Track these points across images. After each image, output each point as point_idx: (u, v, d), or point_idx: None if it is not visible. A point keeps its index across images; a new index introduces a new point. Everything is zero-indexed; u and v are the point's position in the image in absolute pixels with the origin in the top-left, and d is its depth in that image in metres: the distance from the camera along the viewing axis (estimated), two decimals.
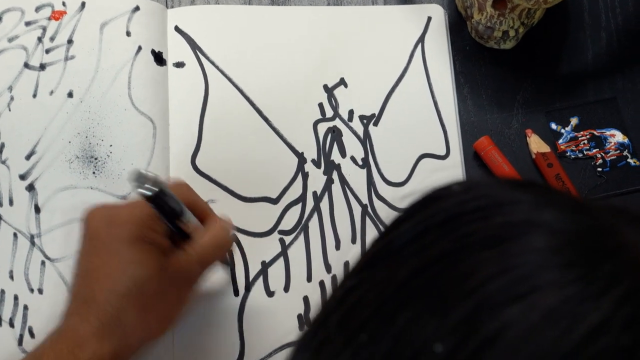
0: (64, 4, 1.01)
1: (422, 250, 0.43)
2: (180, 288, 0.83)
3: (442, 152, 1.01)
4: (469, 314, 0.39)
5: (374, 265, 0.46)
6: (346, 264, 0.96)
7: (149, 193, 0.77)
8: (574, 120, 1.03)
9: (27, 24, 1.00)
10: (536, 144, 1.01)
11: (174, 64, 1.01)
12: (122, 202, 0.83)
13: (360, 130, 1.01)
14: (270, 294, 0.94)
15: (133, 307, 0.78)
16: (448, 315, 0.39)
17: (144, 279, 0.78)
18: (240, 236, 0.96)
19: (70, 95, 0.97)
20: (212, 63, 1.01)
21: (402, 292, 0.42)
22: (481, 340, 0.38)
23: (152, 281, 0.79)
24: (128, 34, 1.00)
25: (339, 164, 0.99)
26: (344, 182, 0.99)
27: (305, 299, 0.94)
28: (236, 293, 0.94)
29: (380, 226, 0.97)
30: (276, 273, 0.95)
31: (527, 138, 1.02)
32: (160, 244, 0.81)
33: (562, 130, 1.02)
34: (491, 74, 1.05)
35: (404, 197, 0.98)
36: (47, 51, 0.99)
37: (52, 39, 0.99)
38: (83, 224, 0.82)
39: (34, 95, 0.98)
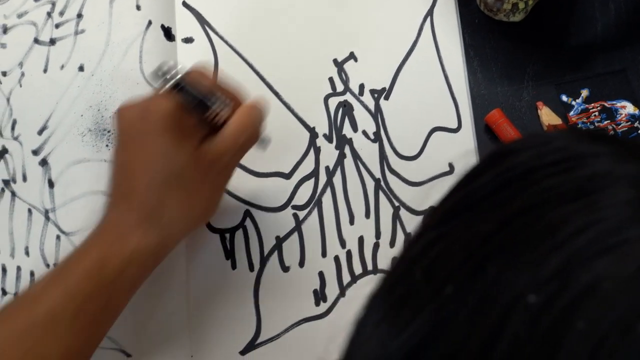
0: None
1: (505, 202, 0.43)
2: (217, 175, 0.85)
3: (454, 125, 1.01)
4: (561, 266, 0.39)
5: (454, 218, 0.45)
6: (360, 238, 0.96)
7: (172, 83, 0.80)
8: (584, 92, 1.03)
9: None
10: (547, 116, 1.01)
11: (182, 39, 1.00)
12: (153, 95, 0.83)
13: (371, 104, 1.00)
14: (285, 269, 0.94)
15: (173, 196, 0.80)
16: (540, 268, 0.39)
17: (182, 167, 0.80)
18: (254, 211, 0.96)
19: (81, 69, 0.97)
20: (221, 38, 1.01)
21: (488, 245, 0.42)
22: (576, 291, 0.38)
23: (189, 169, 0.81)
24: (138, 7, 0.99)
25: (350, 139, 0.99)
26: (356, 156, 0.98)
27: (321, 274, 0.95)
28: (251, 268, 0.94)
29: (394, 200, 0.97)
30: (291, 248, 0.95)
31: (539, 110, 1.01)
32: (193, 133, 0.82)
33: (573, 103, 1.02)
34: (501, 47, 1.05)
35: (417, 171, 0.98)
36: (57, 26, 0.99)
37: (61, 13, 0.99)
38: (116, 121, 0.83)
39: (45, 71, 0.97)
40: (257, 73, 0.99)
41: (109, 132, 0.95)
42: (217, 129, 0.83)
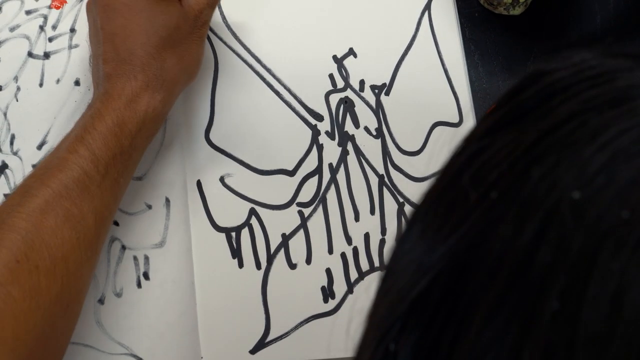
0: None
1: (549, 112, 0.44)
2: (199, 30, 0.90)
3: (456, 120, 1.00)
4: (606, 164, 0.40)
5: (498, 131, 0.46)
6: (366, 235, 0.95)
7: None
8: None
9: (28, 12, 0.99)
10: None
11: None
12: None
13: (372, 100, 1.00)
14: (292, 266, 0.93)
15: (169, 55, 0.86)
16: (584, 167, 0.40)
17: (173, 26, 0.86)
18: (259, 209, 0.95)
19: (77, 83, 0.96)
20: (220, 38, 1.00)
21: (532, 152, 0.42)
22: (621, 184, 0.39)
23: (179, 27, 0.87)
24: None
25: (353, 135, 0.98)
26: (359, 152, 0.98)
27: (328, 271, 0.94)
28: (258, 266, 0.93)
29: (399, 196, 0.97)
30: (297, 245, 0.94)
31: None
32: None
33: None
34: (501, 41, 1.05)
35: (420, 167, 0.98)
36: (50, 39, 0.98)
37: (54, 27, 0.98)
38: None
39: (41, 85, 0.96)
40: (257, 72, 0.99)
41: None
42: None
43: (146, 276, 0.90)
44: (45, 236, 0.76)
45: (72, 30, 0.98)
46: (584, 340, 0.38)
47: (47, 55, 0.97)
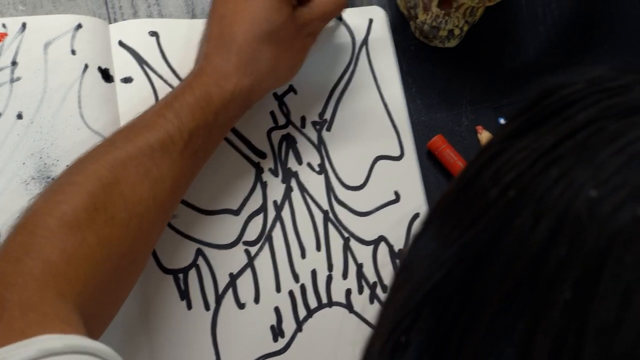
0: (4, 25, 0.98)
1: (567, 119, 0.46)
2: (304, 39, 0.95)
3: (397, 153, 1.01)
4: (622, 166, 0.42)
5: (518, 136, 0.48)
6: (313, 272, 0.96)
7: None
8: None
9: None
10: (487, 140, 1.02)
11: (121, 79, 0.99)
12: None
13: (314, 136, 1.01)
14: (241, 306, 0.94)
15: (268, 49, 0.90)
16: (601, 167, 0.42)
17: (279, 25, 0.90)
18: (206, 249, 0.95)
19: (19, 116, 0.95)
20: (160, 77, 0.99)
21: (551, 153, 0.45)
22: (636, 185, 0.41)
23: (284, 28, 0.90)
24: (73, 52, 0.97)
25: (296, 172, 0.99)
26: (303, 189, 0.98)
27: (277, 310, 0.94)
28: (207, 307, 0.93)
29: (344, 231, 0.98)
30: (245, 285, 0.95)
31: (478, 134, 1.03)
32: None
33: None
34: (438, 73, 1.06)
35: (364, 201, 0.99)
36: None
37: None
38: None
39: None
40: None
41: (52, 179, 0.93)
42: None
43: None
44: (125, 190, 0.79)
45: (14, 63, 0.97)
46: (594, 329, 0.40)
47: None
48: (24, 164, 0.93)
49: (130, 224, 0.78)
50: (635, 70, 0.49)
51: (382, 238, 0.98)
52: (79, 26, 0.99)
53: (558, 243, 0.41)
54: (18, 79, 0.96)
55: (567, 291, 0.41)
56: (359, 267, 0.97)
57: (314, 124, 1.01)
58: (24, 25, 0.98)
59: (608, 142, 0.43)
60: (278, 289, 0.95)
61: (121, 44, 1.00)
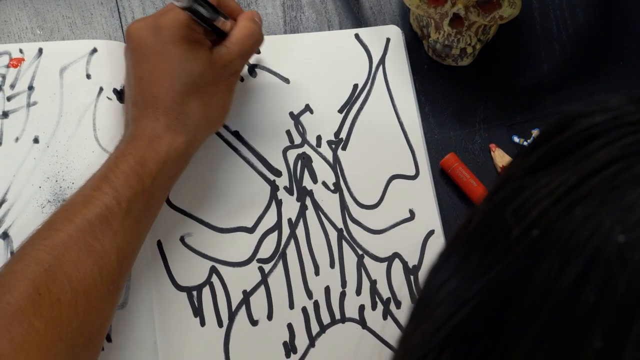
0: (21, 51, 1.00)
1: (589, 155, 0.45)
2: (228, 79, 0.93)
3: (412, 172, 1.02)
4: None
5: (538, 170, 0.48)
6: (327, 288, 0.97)
7: (183, 4, 0.86)
8: (535, 132, 1.04)
9: None
10: (501, 158, 1.02)
11: None
12: (160, 11, 0.92)
13: (329, 155, 1.01)
14: (254, 322, 0.94)
15: (194, 100, 0.89)
16: (628, 210, 0.42)
17: (199, 73, 0.89)
18: (220, 267, 0.96)
19: (36, 141, 0.96)
20: None
21: (575, 192, 0.44)
22: None
23: (205, 75, 0.89)
24: (88, 76, 0.99)
25: (311, 190, 1.00)
26: (317, 207, 0.99)
27: (289, 326, 0.95)
28: (220, 324, 0.94)
29: (358, 249, 0.98)
30: (258, 302, 0.95)
31: (492, 152, 1.03)
32: (203, 42, 0.91)
33: (525, 143, 1.04)
34: (451, 92, 1.07)
35: (378, 220, 0.99)
36: (9, 99, 0.98)
37: (12, 86, 0.99)
38: (128, 37, 0.91)
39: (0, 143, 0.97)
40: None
41: None
42: (219, 40, 0.93)
43: (108, 338, 0.90)
44: (68, 270, 0.78)
45: (31, 87, 0.99)
46: None
47: (5, 115, 0.97)
48: (40, 187, 0.95)
49: (78, 302, 0.77)
50: None
51: (396, 255, 0.99)
52: (94, 50, 1.01)
53: (587, 289, 0.41)
54: (34, 103, 0.98)
55: (597, 340, 0.40)
56: (373, 283, 0.97)
57: (330, 143, 1.02)
58: (40, 51, 1.00)
59: (635, 181, 0.43)
60: (291, 306, 0.96)
61: None
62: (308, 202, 0.99)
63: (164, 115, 0.87)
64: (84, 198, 0.83)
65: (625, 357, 0.39)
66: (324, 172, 1.01)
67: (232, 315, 0.94)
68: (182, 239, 0.96)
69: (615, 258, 0.41)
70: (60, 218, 0.82)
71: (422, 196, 1.01)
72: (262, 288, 0.96)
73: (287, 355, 0.94)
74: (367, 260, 0.98)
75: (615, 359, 0.40)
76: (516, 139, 1.04)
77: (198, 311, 0.94)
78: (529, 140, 1.04)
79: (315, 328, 0.95)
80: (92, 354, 0.82)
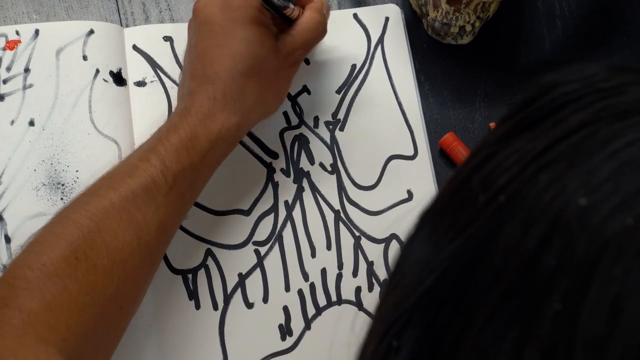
0: (17, 32, 1.00)
1: (561, 121, 0.46)
2: (288, 68, 0.94)
3: (410, 153, 1.01)
4: (614, 172, 0.42)
5: (510, 138, 0.48)
6: (323, 270, 0.96)
7: None
8: None
9: None
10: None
11: (134, 82, 1.00)
12: None
13: (326, 136, 1.01)
14: (249, 305, 0.94)
15: (254, 83, 0.89)
16: (592, 174, 0.42)
17: (263, 57, 0.89)
18: (215, 249, 0.95)
19: (31, 123, 0.96)
20: (174, 81, 1.00)
21: (542, 158, 0.44)
22: (627, 193, 0.41)
23: (268, 60, 0.90)
24: (84, 58, 0.99)
25: (308, 172, 0.99)
26: (314, 189, 0.99)
27: (285, 309, 0.94)
28: (215, 307, 0.94)
29: (355, 230, 0.97)
30: (254, 284, 0.95)
31: None
32: (270, 27, 0.92)
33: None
34: (451, 70, 1.06)
35: (376, 201, 0.99)
36: (5, 81, 0.98)
37: (8, 69, 0.98)
38: (195, 11, 0.92)
39: None
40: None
41: (63, 185, 0.94)
42: (285, 28, 0.93)
43: None
44: (107, 237, 0.79)
45: (27, 70, 0.99)
46: (583, 341, 0.40)
47: (1, 98, 0.97)
48: (35, 170, 0.95)
49: (114, 269, 0.78)
50: (631, 69, 0.49)
51: (393, 236, 0.98)
52: (91, 32, 1.00)
53: (548, 252, 0.41)
54: (30, 85, 0.98)
55: (557, 302, 0.40)
56: (370, 265, 0.97)
57: (327, 123, 1.01)
58: (36, 32, 1.00)
59: (600, 146, 0.43)
60: (287, 289, 0.95)
61: (135, 48, 1.02)
62: (305, 183, 0.99)
63: (222, 94, 0.87)
64: (130, 167, 0.83)
65: (582, 319, 0.40)
66: (321, 154, 1.00)
67: (227, 298, 0.94)
68: None
69: (575, 221, 0.41)
70: (104, 185, 0.83)
71: (421, 177, 1.01)
72: (257, 271, 0.95)
73: (283, 338, 0.94)
74: (364, 242, 0.97)
75: (574, 320, 0.40)
76: None
77: (193, 294, 0.93)
78: None
79: (311, 310, 0.95)
80: (122, 322, 0.83)
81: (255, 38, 0.89)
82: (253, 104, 0.89)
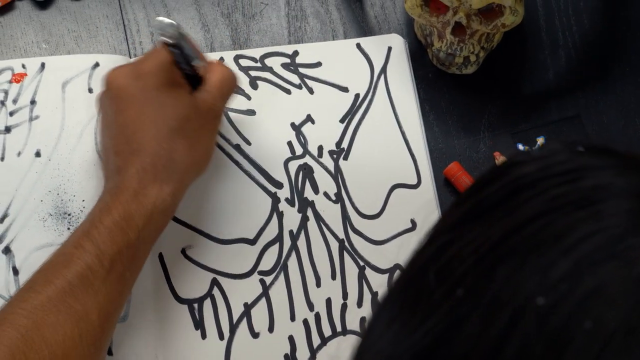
0: (23, 66, 1.01)
1: (515, 210, 0.45)
2: (211, 122, 0.91)
3: (414, 181, 1.01)
4: (569, 270, 0.42)
5: (465, 224, 0.47)
6: (328, 300, 0.96)
7: (172, 41, 0.87)
8: (540, 140, 1.04)
9: None
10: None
11: None
12: (139, 57, 0.91)
13: (330, 165, 1.01)
14: (255, 335, 0.94)
15: (182, 145, 0.86)
16: (548, 271, 0.42)
17: (184, 117, 0.87)
18: (221, 279, 0.96)
19: (38, 154, 0.97)
20: None
21: (498, 250, 0.44)
22: (584, 293, 0.41)
23: (190, 118, 0.87)
24: (90, 90, 1.00)
25: (312, 201, 0.99)
26: (319, 218, 0.99)
27: (291, 338, 0.95)
28: (221, 337, 0.94)
29: (359, 260, 0.98)
30: (259, 314, 0.95)
31: (496, 161, 1.02)
32: (184, 86, 0.90)
33: (530, 151, 1.03)
34: (455, 100, 1.06)
35: (380, 230, 0.99)
36: (11, 114, 0.99)
37: (14, 101, 0.99)
38: (107, 84, 0.89)
39: (2, 159, 0.97)
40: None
41: (69, 215, 0.95)
42: (196, 85, 0.91)
43: (110, 352, 0.91)
44: (46, 333, 0.76)
45: (33, 102, 0.99)
46: None
47: (8, 130, 0.98)
48: (41, 201, 0.95)
49: None
50: (594, 149, 0.49)
51: (397, 266, 0.98)
52: (96, 65, 1.01)
53: (506, 353, 0.41)
54: (37, 117, 0.99)
55: None
56: (374, 295, 0.97)
57: (331, 153, 1.02)
58: (42, 65, 1.01)
59: (555, 240, 0.43)
60: (292, 318, 0.95)
61: None
62: (309, 213, 0.99)
63: (151, 164, 0.84)
64: (65, 257, 0.81)
65: None
66: (326, 183, 1.01)
67: (233, 328, 0.94)
68: (183, 251, 0.96)
69: (534, 322, 0.41)
70: (40, 279, 0.81)
71: (425, 205, 1.01)
72: (263, 300, 0.95)
73: None
74: (368, 272, 0.98)
75: None
76: (521, 147, 1.03)
77: (199, 324, 0.94)
78: (534, 148, 1.03)
79: (316, 340, 0.95)
80: None
81: (173, 100, 0.87)
82: (185, 166, 0.87)
